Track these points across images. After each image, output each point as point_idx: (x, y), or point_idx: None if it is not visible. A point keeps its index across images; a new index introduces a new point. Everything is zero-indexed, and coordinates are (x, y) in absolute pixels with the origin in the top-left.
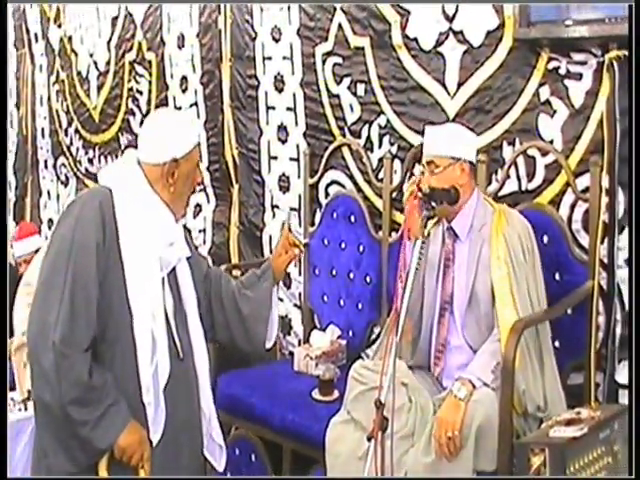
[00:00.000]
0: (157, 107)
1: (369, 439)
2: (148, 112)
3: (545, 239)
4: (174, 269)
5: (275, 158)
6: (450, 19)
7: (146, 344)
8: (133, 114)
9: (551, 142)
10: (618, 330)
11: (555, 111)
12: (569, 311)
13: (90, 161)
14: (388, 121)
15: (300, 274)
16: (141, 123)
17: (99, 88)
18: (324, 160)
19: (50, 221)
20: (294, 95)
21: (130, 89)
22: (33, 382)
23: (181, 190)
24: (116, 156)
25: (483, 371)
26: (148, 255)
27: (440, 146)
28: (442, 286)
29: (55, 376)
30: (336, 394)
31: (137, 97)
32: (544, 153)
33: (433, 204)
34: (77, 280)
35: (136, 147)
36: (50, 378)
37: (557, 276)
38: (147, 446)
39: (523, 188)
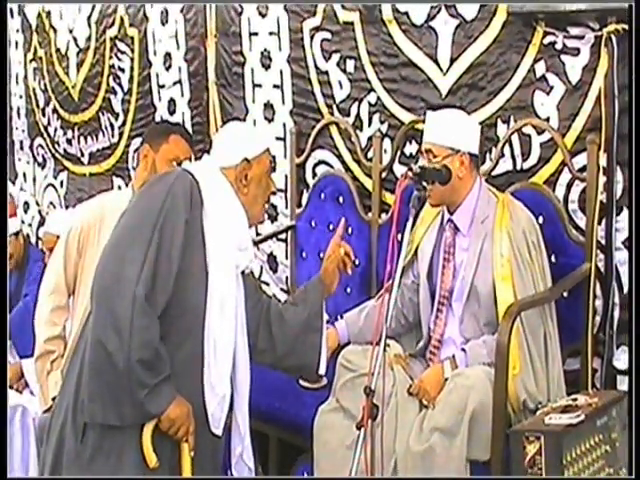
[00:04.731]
0: (139, 85)
1: (358, 427)
2: (129, 90)
3: (540, 220)
4: None
5: None
6: None
7: (217, 332)
8: (114, 92)
9: (547, 120)
10: (616, 314)
11: (552, 87)
12: (565, 294)
13: (69, 142)
14: (378, 98)
15: (287, 257)
16: (122, 102)
17: (79, 65)
18: (311, 139)
19: (26, 204)
20: (281, 72)
21: (111, 66)
22: (97, 325)
23: (255, 193)
24: (96, 137)
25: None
26: (226, 251)
27: (439, 134)
28: (441, 280)
29: (129, 328)
30: (324, 381)
31: (118, 75)
32: (540, 131)
33: (424, 184)
34: (163, 243)
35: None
36: (122, 328)
37: (553, 258)
38: (192, 420)
39: (518, 167)
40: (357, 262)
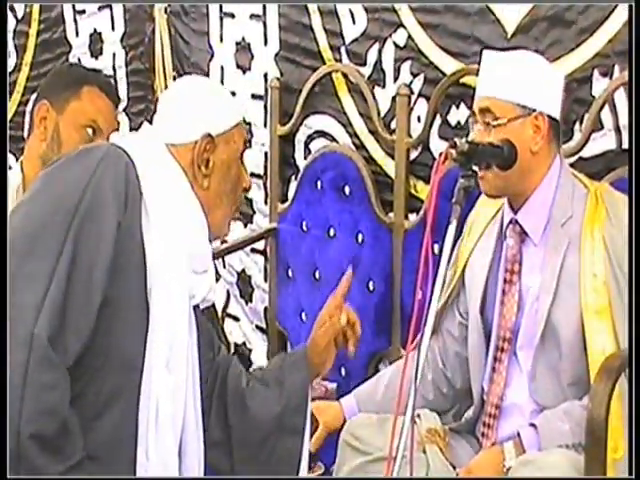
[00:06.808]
0: (43, 9)
1: None
2: (26, 17)
3: None
4: None
5: (232, 94)
6: None
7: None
8: None
9: None
10: None
11: None
12: None
13: None
14: (410, 38)
15: (265, 279)
16: (15, 34)
17: None
18: (303, 97)
19: None
20: None
21: None
22: None
23: (218, 188)
24: None
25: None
26: (177, 273)
27: (502, 84)
28: (500, 314)
29: (20, 388)
30: (320, 468)
31: None
32: None
33: (475, 168)
34: (80, 259)
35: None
36: (11, 387)
37: None
38: None
39: (625, 145)
40: (372, 286)
